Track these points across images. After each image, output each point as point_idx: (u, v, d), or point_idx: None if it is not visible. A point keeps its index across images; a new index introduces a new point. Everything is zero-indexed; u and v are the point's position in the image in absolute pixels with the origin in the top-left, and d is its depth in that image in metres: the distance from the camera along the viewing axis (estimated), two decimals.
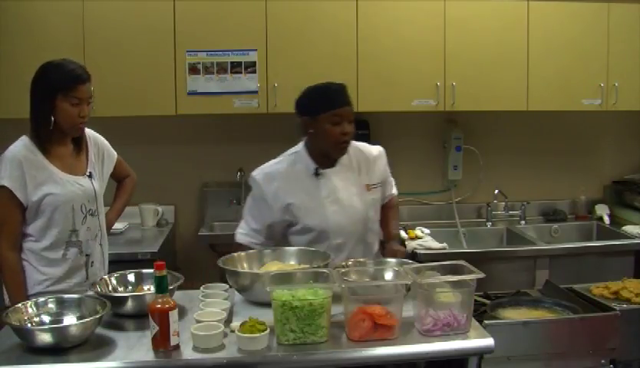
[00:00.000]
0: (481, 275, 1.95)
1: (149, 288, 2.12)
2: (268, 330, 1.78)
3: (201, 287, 2.17)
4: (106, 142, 2.67)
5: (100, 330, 1.87)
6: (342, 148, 2.53)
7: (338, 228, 2.54)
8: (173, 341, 1.76)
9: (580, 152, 4.38)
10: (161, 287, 1.78)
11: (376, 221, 2.67)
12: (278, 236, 2.61)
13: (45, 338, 1.74)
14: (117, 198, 2.85)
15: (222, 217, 4.11)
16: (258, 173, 2.60)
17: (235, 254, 2.37)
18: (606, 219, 4.14)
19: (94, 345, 1.80)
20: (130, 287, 2.19)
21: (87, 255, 2.47)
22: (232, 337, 1.81)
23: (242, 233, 2.63)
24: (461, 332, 1.88)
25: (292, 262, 2.39)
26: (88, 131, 2.59)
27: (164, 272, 1.79)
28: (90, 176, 2.51)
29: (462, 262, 2.07)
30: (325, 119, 2.47)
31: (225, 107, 3.73)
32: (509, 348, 2.02)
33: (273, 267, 2.28)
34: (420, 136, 4.23)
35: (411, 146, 4.20)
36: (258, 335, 1.76)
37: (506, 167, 4.27)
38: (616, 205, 4.27)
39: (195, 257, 3.96)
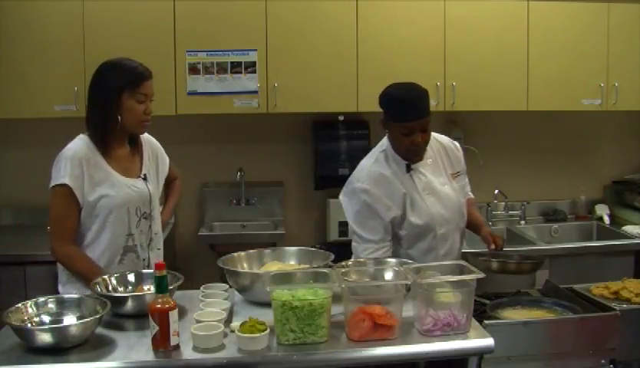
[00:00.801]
0: (481, 275, 1.95)
1: (149, 288, 2.12)
2: (268, 330, 1.78)
3: (201, 287, 2.17)
4: (159, 145, 2.64)
5: (100, 330, 1.87)
6: (412, 156, 2.53)
7: (441, 219, 2.55)
8: (173, 341, 1.76)
9: (580, 152, 4.38)
10: (161, 287, 1.78)
11: (465, 207, 2.68)
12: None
13: (45, 338, 1.74)
14: (169, 198, 2.81)
15: (222, 217, 4.12)
16: (362, 182, 2.53)
17: (235, 254, 2.36)
18: (606, 219, 4.14)
19: (94, 345, 1.80)
20: (130, 287, 2.19)
21: (143, 260, 2.44)
22: (232, 337, 1.81)
23: (371, 251, 2.48)
24: (461, 332, 1.88)
25: (292, 262, 2.39)
26: (146, 137, 2.57)
27: (164, 272, 1.79)
28: (144, 179, 2.48)
29: (462, 262, 2.07)
30: (397, 128, 2.46)
31: (226, 107, 3.74)
32: (509, 348, 2.02)
33: (273, 267, 2.28)
34: None
35: None
36: (258, 335, 1.76)
37: (506, 167, 4.27)
38: (616, 205, 4.28)
39: (195, 258, 3.97)
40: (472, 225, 2.71)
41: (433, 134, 2.65)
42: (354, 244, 2.56)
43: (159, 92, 3.60)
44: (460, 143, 3.06)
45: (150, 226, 2.49)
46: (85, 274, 2.29)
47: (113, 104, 2.33)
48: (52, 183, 2.35)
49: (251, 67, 3.72)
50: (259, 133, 4.15)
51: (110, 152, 2.39)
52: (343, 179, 3.96)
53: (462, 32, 3.81)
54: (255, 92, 3.73)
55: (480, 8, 3.83)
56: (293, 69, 3.73)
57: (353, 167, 3.92)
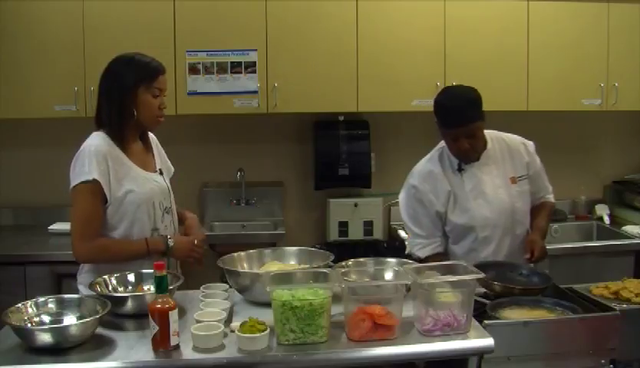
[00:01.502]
0: (481, 275, 1.95)
1: (149, 288, 2.12)
2: (268, 330, 1.78)
3: (201, 287, 2.17)
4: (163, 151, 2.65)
5: (100, 330, 1.87)
6: (463, 159, 2.57)
7: (484, 221, 2.56)
8: (173, 341, 1.76)
9: (580, 152, 4.38)
10: (161, 287, 1.78)
11: (526, 213, 2.64)
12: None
13: (45, 338, 1.74)
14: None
15: (222, 217, 4.12)
16: (414, 178, 2.64)
17: (235, 254, 2.36)
18: (606, 219, 4.14)
19: (94, 345, 1.80)
20: (130, 287, 2.19)
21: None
22: (232, 337, 1.81)
23: (420, 247, 2.62)
24: (461, 332, 1.88)
25: (292, 262, 2.39)
26: (149, 134, 2.57)
27: (164, 272, 1.79)
28: (161, 173, 2.49)
29: (462, 262, 2.07)
30: (444, 133, 2.53)
31: (225, 107, 3.74)
32: (509, 348, 2.01)
33: (273, 267, 2.28)
34: (420, 136, 4.21)
35: (411, 146, 4.18)
36: (258, 335, 1.76)
37: None
38: (616, 205, 4.28)
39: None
40: (531, 226, 2.67)
41: (503, 134, 2.69)
42: (408, 238, 2.73)
43: None
44: None
45: (172, 221, 2.49)
46: (132, 251, 2.29)
47: (129, 99, 2.32)
48: (77, 180, 2.27)
49: (251, 67, 3.72)
50: (259, 133, 4.15)
51: (127, 148, 2.38)
52: (343, 179, 4.02)
53: (462, 32, 3.81)
54: (255, 92, 3.73)
55: (480, 9, 3.83)
56: (293, 69, 3.73)
57: (353, 167, 3.99)
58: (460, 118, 2.47)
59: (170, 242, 2.35)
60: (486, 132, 2.65)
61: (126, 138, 2.37)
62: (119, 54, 2.43)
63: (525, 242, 2.57)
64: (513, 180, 2.63)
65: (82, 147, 2.32)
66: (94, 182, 2.25)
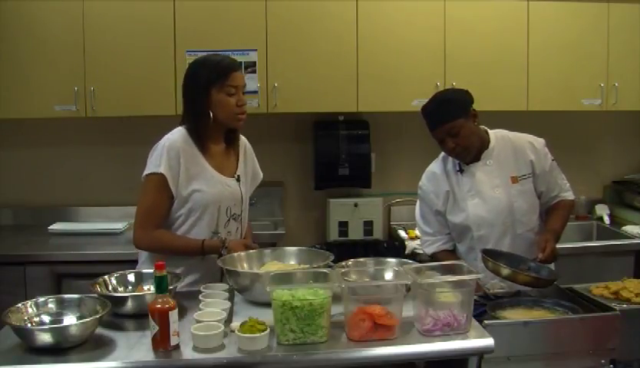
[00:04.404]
0: (481, 275, 1.95)
1: (149, 288, 2.12)
2: (268, 330, 1.78)
3: (201, 287, 2.17)
4: (255, 159, 2.65)
5: (100, 330, 1.87)
6: (457, 159, 2.62)
7: (479, 220, 2.59)
8: (173, 341, 1.76)
9: (580, 152, 4.38)
10: (161, 287, 1.78)
11: (528, 212, 2.63)
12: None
13: (45, 338, 1.74)
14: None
15: None
16: (422, 179, 2.74)
17: (235, 254, 2.36)
18: (606, 219, 4.14)
19: (93, 345, 1.80)
20: (130, 287, 2.19)
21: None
22: (232, 337, 1.81)
23: (428, 243, 2.74)
24: (461, 332, 1.88)
25: (292, 262, 2.39)
26: (243, 139, 2.58)
27: (164, 272, 1.80)
28: (238, 180, 2.47)
29: (462, 262, 2.07)
30: (433, 136, 2.59)
31: None
32: (509, 348, 2.01)
33: (273, 267, 2.28)
34: (420, 136, 4.20)
35: (411, 146, 4.20)
36: (258, 335, 1.76)
37: None
38: (616, 205, 4.27)
39: None
40: (545, 226, 2.67)
41: (510, 133, 2.70)
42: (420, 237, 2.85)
43: (159, 92, 3.65)
44: None
45: (238, 228, 2.48)
46: (187, 248, 2.33)
47: (203, 100, 2.33)
48: (147, 171, 2.34)
49: (251, 67, 3.72)
50: (259, 133, 4.14)
51: (206, 148, 2.39)
52: (343, 179, 4.02)
53: (462, 32, 3.81)
54: (256, 92, 3.73)
55: (480, 9, 3.83)
56: (293, 69, 3.73)
57: (353, 167, 3.99)
58: (434, 119, 2.54)
59: (227, 243, 2.36)
60: (492, 131, 2.67)
61: (205, 138, 2.39)
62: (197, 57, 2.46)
63: (535, 242, 2.55)
64: (514, 179, 2.62)
65: (161, 140, 2.36)
66: (161, 176, 2.29)
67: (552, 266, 2.58)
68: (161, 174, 2.29)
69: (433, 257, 2.70)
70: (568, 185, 2.76)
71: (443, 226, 2.70)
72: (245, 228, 2.59)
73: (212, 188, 2.37)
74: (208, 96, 2.34)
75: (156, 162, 2.31)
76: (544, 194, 2.68)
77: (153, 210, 2.34)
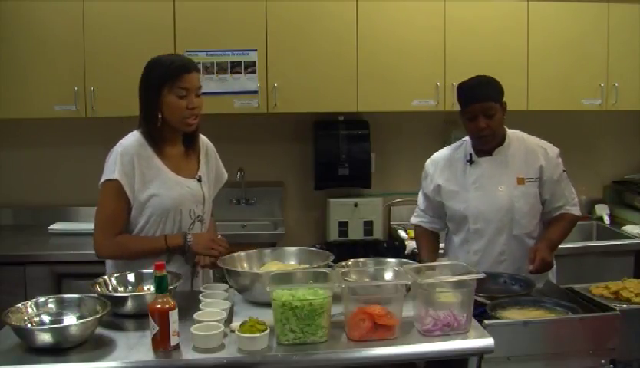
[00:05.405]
0: (481, 275, 1.95)
1: (149, 288, 2.12)
2: (268, 330, 1.78)
3: (201, 287, 2.17)
4: (219, 160, 2.59)
5: (100, 330, 1.87)
6: (481, 143, 2.62)
7: (477, 213, 2.61)
8: (173, 341, 1.76)
9: (580, 152, 4.37)
10: (161, 287, 1.78)
11: (527, 214, 2.62)
12: (443, 217, 2.77)
13: (45, 338, 1.74)
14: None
15: (222, 217, 4.09)
16: (428, 160, 2.82)
17: (235, 254, 2.36)
18: (606, 219, 4.14)
19: (93, 345, 1.80)
20: (130, 287, 2.19)
21: (192, 266, 2.37)
22: (232, 337, 1.81)
23: (414, 215, 2.87)
24: (461, 332, 1.88)
25: (292, 262, 2.39)
26: (205, 140, 2.52)
27: (164, 272, 1.79)
28: (199, 180, 2.41)
29: (462, 262, 2.07)
30: (463, 114, 2.60)
31: (226, 107, 3.74)
32: (509, 348, 2.01)
33: (273, 267, 2.28)
34: (420, 136, 4.23)
35: (411, 146, 4.20)
36: (258, 335, 1.76)
37: None
38: (616, 205, 4.27)
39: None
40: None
41: (525, 135, 2.72)
42: None
43: None
44: None
45: (202, 230, 2.42)
46: (150, 247, 2.27)
47: (154, 102, 2.28)
48: (103, 178, 2.29)
49: (251, 67, 3.72)
50: (259, 133, 4.15)
51: (162, 150, 2.33)
52: (343, 179, 4.02)
53: (462, 32, 3.81)
54: (255, 92, 3.73)
55: (480, 9, 3.83)
56: (293, 69, 3.74)
57: (353, 167, 3.99)
58: (475, 94, 2.56)
59: (189, 237, 2.31)
60: (510, 131, 2.69)
61: (160, 140, 2.33)
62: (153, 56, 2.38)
63: (529, 251, 2.53)
64: (521, 180, 2.62)
65: (115, 145, 2.32)
66: (116, 182, 2.24)
67: (550, 275, 2.60)
68: (116, 180, 2.24)
69: (415, 231, 2.88)
70: (576, 200, 2.73)
71: (428, 208, 2.79)
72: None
73: (171, 192, 2.31)
74: (159, 98, 2.27)
75: (111, 168, 2.26)
76: (548, 202, 2.67)
77: (112, 217, 2.28)
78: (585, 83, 3.92)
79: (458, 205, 2.66)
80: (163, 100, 2.28)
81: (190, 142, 2.43)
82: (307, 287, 1.85)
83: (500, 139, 2.64)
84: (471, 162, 2.66)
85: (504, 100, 2.60)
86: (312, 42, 3.75)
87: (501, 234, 2.61)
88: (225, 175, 2.63)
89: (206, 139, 2.54)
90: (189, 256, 2.35)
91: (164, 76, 2.28)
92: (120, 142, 2.32)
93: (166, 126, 2.32)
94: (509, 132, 2.69)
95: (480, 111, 2.52)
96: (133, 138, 2.32)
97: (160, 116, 2.29)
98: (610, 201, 4.32)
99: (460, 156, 2.71)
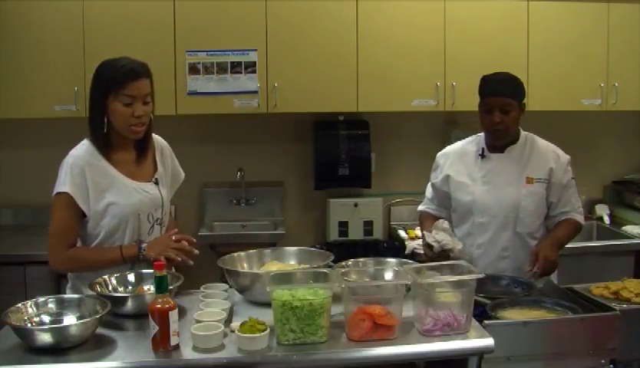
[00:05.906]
0: (481, 275, 1.95)
1: (149, 288, 2.12)
2: (268, 330, 1.78)
3: (201, 287, 2.17)
4: (175, 159, 2.51)
5: (100, 330, 1.87)
6: (495, 138, 2.65)
7: (482, 207, 2.64)
8: (173, 341, 1.76)
9: (580, 152, 4.35)
10: (161, 287, 1.78)
11: (532, 214, 2.63)
12: (448, 207, 2.82)
13: (45, 338, 1.74)
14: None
15: (222, 217, 4.12)
16: (440, 152, 2.87)
17: (235, 254, 2.36)
18: (606, 219, 4.14)
19: (93, 345, 1.80)
20: (130, 287, 2.18)
21: None
22: (232, 337, 1.81)
23: (422, 203, 2.94)
24: (461, 332, 1.88)
25: (292, 262, 2.39)
26: (159, 140, 2.44)
27: (164, 272, 1.79)
28: (156, 183, 2.34)
29: (462, 262, 2.07)
30: (480, 106, 2.63)
31: (226, 107, 3.74)
32: (509, 348, 2.01)
33: (273, 267, 2.28)
34: (420, 136, 4.24)
35: (411, 146, 4.21)
36: (258, 335, 1.76)
37: None
38: (616, 205, 4.28)
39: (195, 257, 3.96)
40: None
41: (538, 138, 2.75)
42: None
43: (159, 92, 3.63)
44: None
45: (162, 233, 2.38)
46: (105, 258, 2.22)
47: (99, 107, 2.21)
48: (54, 191, 2.24)
49: (251, 67, 3.73)
50: (259, 133, 4.15)
51: (113, 156, 2.27)
52: (343, 179, 4.02)
53: (462, 32, 3.82)
54: (255, 92, 3.73)
55: (480, 8, 3.84)
56: (293, 69, 3.74)
57: (353, 167, 3.99)
58: (496, 88, 2.59)
59: (143, 246, 2.24)
60: (524, 132, 2.72)
61: (109, 146, 2.26)
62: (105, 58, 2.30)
63: (530, 253, 2.54)
64: (529, 180, 2.64)
65: (67, 156, 2.26)
66: (67, 195, 2.19)
67: (551, 277, 2.61)
68: (66, 193, 2.18)
69: (420, 215, 2.91)
70: (581, 209, 2.75)
71: (435, 197, 2.85)
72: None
73: (128, 198, 2.24)
74: (105, 103, 2.19)
75: (62, 180, 2.20)
76: (554, 205, 2.68)
77: (64, 230, 2.23)
78: (585, 83, 3.92)
79: (465, 196, 2.68)
80: (109, 107, 2.20)
81: (142, 147, 2.35)
82: (307, 287, 1.85)
83: (514, 138, 2.67)
84: (482, 156, 2.69)
85: (524, 101, 2.64)
86: (312, 42, 3.75)
87: (505, 230, 2.63)
88: (182, 175, 2.55)
89: (160, 138, 2.47)
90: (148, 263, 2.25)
91: (109, 82, 2.19)
92: (70, 152, 2.26)
93: (114, 131, 2.25)
94: (524, 133, 2.73)
95: (496, 105, 2.56)
96: (83, 148, 2.26)
97: (106, 121, 2.23)
98: (610, 201, 4.32)
99: (472, 150, 2.75)
